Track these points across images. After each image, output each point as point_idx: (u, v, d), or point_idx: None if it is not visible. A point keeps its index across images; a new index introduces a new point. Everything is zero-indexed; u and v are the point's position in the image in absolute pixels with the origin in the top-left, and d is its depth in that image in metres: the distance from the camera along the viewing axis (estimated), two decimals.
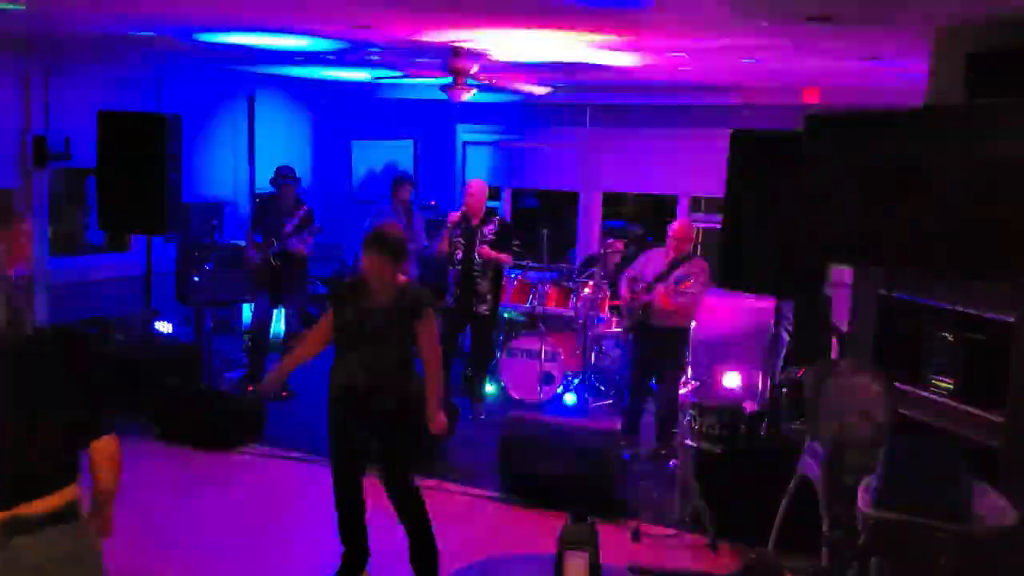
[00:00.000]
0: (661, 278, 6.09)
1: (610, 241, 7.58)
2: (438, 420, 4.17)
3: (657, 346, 6.21)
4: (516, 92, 6.89)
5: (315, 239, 7.24)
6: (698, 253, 6.55)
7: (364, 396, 4.06)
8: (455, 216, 6.88)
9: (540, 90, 6.72)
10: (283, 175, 7.17)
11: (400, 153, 9.53)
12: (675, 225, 6.31)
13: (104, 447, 2.13)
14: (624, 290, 6.31)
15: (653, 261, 6.31)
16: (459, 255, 6.84)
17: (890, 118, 4.04)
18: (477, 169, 9.16)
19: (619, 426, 5.84)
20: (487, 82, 6.40)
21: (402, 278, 4.17)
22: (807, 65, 6.10)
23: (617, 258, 7.51)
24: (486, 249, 6.72)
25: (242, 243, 7.30)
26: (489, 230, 6.80)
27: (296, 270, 7.25)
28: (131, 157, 6.11)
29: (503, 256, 6.76)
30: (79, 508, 2.05)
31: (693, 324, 5.92)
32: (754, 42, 5.13)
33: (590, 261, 7.78)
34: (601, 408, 7.14)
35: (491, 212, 7.05)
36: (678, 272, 6.06)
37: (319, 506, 5.35)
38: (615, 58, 6.18)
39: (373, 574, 4.34)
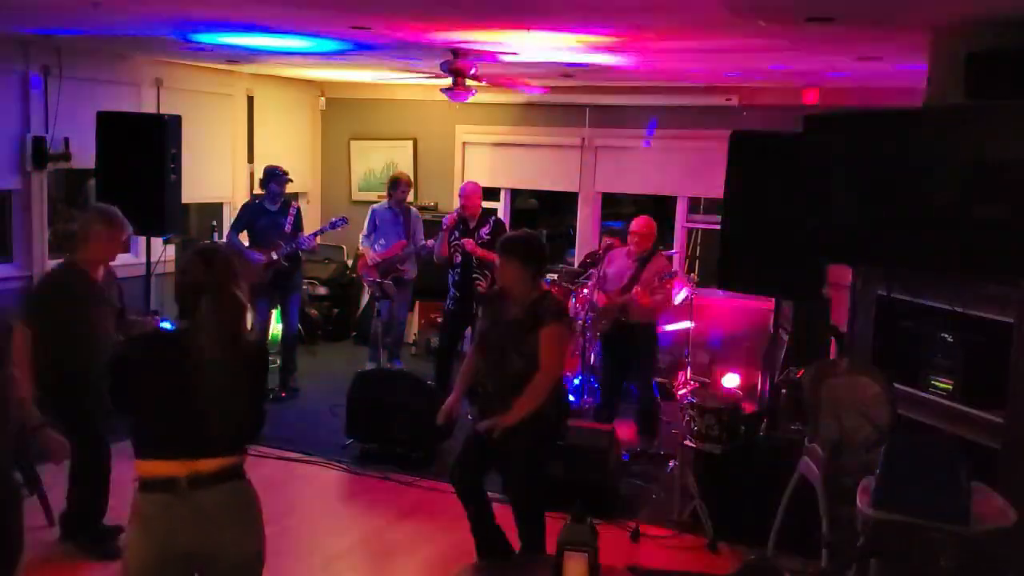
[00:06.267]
0: (635, 278, 6.14)
1: (607, 242, 7.57)
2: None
3: (633, 345, 6.24)
4: (517, 89, 6.86)
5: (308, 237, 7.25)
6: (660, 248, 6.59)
7: (487, 407, 4.06)
8: (451, 219, 6.87)
9: (539, 85, 6.71)
10: (280, 174, 7.14)
11: (400, 153, 9.51)
12: (640, 220, 6.33)
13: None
14: (599, 295, 6.33)
15: (617, 261, 6.35)
16: (457, 258, 6.83)
17: (889, 118, 4.04)
18: (476, 169, 9.14)
19: (615, 427, 5.83)
20: (487, 82, 6.39)
21: (544, 287, 4.07)
22: (807, 65, 6.09)
23: None
24: (470, 243, 6.72)
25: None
26: (484, 231, 6.79)
27: (296, 268, 7.27)
28: (131, 158, 6.09)
29: (491, 255, 6.73)
30: (243, 470, 2.68)
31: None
32: (754, 43, 5.12)
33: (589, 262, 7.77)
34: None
35: (488, 213, 7.03)
36: (652, 269, 6.14)
37: (317, 507, 5.35)
38: (614, 59, 6.17)
39: None
